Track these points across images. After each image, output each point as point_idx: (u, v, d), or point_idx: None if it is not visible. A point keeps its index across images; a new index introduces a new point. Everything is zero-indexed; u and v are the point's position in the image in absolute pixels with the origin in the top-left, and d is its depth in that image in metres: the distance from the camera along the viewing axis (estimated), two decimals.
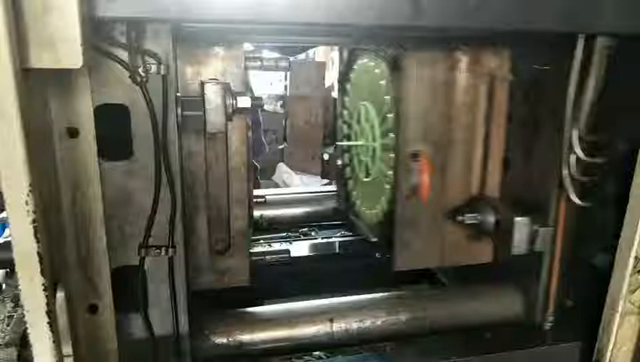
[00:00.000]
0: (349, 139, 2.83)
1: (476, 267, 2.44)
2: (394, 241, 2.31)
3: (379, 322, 2.18)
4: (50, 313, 1.31)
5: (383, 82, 2.33)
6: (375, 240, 2.56)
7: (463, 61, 2.19)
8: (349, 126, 2.81)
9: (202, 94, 1.78)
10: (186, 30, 1.78)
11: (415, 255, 2.35)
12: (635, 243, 1.71)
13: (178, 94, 1.76)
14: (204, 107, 1.77)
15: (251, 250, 2.23)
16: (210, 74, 1.97)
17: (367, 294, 2.33)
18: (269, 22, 1.51)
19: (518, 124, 2.21)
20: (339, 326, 2.14)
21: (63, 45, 1.19)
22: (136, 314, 1.80)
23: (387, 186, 2.36)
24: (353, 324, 2.16)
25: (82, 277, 1.64)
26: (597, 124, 1.87)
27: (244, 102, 1.85)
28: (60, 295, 1.37)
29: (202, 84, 1.79)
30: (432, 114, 2.20)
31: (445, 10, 1.55)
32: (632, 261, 1.73)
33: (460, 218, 2.25)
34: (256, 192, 2.58)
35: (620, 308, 1.79)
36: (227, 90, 1.80)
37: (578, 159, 1.90)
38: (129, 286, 1.75)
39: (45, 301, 1.29)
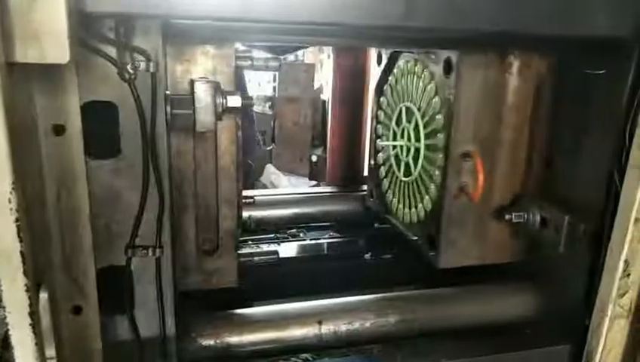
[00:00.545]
0: (386, 139, 2.88)
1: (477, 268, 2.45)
2: (439, 240, 2.33)
3: (368, 324, 2.17)
4: (33, 314, 1.28)
5: (431, 84, 2.35)
6: (415, 238, 2.57)
7: (514, 65, 2.21)
8: (387, 127, 2.84)
9: (192, 92, 1.76)
10: (176, 27, 1.76)
11: (459, 253, 2.36)
12: (625, 246, 1.71)
13: (167, 92, 1.73)
14: (194, 105, 1.75)
15: (239, 251, 2.20)
16: (200, 72, 1.94)
17: (356, 296, 2.32)
18: (257, 20, 1.49)
19: (566, 125, 2.22)
20: (327, 329, 2.13)
21: (48, 40, 1.16)
22: (121, 316, 1.77)
23: (432, 186, 2.39)
24: (342, 326, 2.15)
25: (67, 278, 1.60)
26: None
27: (234, 101, 1.83)
28: (44, 295, 1.35)
29: (192, 82, 1.77)
30: (482, 115, 2.23)
31: (436, 11, 1.55)
32: (622, 264, 1.73)
33: (507, 216, 2.26)
34: (244, 193, 2.55)
35: (609, 312, 1.79)
36: (217, 89, 1.78)
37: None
38: (115, 287, 1.72)
39: (28, 302, 1.26)
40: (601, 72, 2.01)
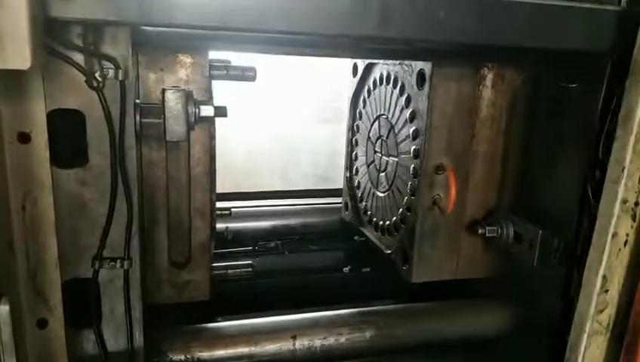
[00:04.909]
0: (362, 151, 2.88)
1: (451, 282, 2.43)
2: (411, 253, 2.32)
3: (342, 339, 2.14)
4: None
5: (404, 96, 2.35)
6: (389, 252, 2.54)
7: (488, 77, 2.22)
8: (362, 140, 2.85)
9: (162, 101, 1.72)
10: (148, 35, 1.73)
11: (432, 267, 2.35)
12: (603, 262, 1.70)
13: (137, 101, 1.70)
14: (164, 115, 1.72)
15: (213, 264, 2.17)
16: (173, 81, 1.92)
17: (331, 311, 2.29)
18: (232, 28, 1.47)
19: (540, 139, 2.21)
20: (302, 344, 2.10)
21: (10, 45, 1.12)
22: (88, 329, 1.73)
23: (405, 199, 2.38)
24: (316, 341, 2.12)
25: (31, 290, 1.56)
26: None
27: (207, 110, 1.80)
28: (4, 308, 1.31)
29: (163, 91, 1.74)
30: (455, 128, 2.23)
31: (411, 22, 1.53)
32: (599, 280, 1.71)
33: (480, 230, 2.25)
34: (220, 204, 2.52)
35: (587, 328, 1.77)
36: (189, 98, 1.75)
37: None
38: (81, 300, 1.68)
39: None
40: (574, 85, 2.01)
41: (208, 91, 1.96)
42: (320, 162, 5.04)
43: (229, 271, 2.29)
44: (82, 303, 1.68)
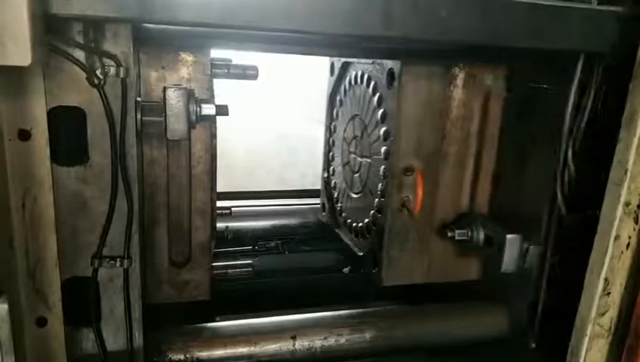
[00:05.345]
0: (339, 151, 2.84)
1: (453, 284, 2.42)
2: (381, 256, 2.29)
3: (343, 340, 2.13)
4: None
5: (376, 96, 2.32)
6: (361, 254, 2.53)
7: (459, 77, 2.19)
8: (338, 140, 2.81)
9: (164, 100, 1.72)
10: (149, 33, 1.73)
11: (402, 270, 2.32)
12: (605, 265, 1.69)
13: (138, 99, 1.69)
14: (165, 113, 1.71)
15: (213, 263, 2.16)
16: (175, 80, 1.91)
17: (331, 311, 2.27)
18: (234, 26, 1.46)
19: (511, 140, 2.22)
20: (301, 344, 2.08)
21: (10, 41, 1.12)
22: (87, 328, 1.72)
23: (376, 201, 2.35)
24: (317, 342, 2.10)
25: (30, 288, 1.55)
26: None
27: (208, 109, 1.80)
28: (3, 306, 1.29)
29: (164, 89, 1.73)
30: (426, 129, 2.20)
31: (414, 23, 1.53)
32: (601, 283, 1.71)
33: (449, 234, 2.23)
34: (221, 203, 2.51)
35: (588, 331, 1.76)
36: (190, 97, 1.74)
37: (571, 177, 1.90)
38: (81, 299, 1.67)
39: None
40: (544, 85, 2.01)
41: (210, 90, 1.95)
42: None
43: (229, 270, 2.28)
44: (82, 302, 1.67)
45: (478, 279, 2.42)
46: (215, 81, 2.01)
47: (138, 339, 1.76)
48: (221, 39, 1.94)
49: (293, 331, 2.11)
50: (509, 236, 2.03)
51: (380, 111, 2.27)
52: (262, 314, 2.21)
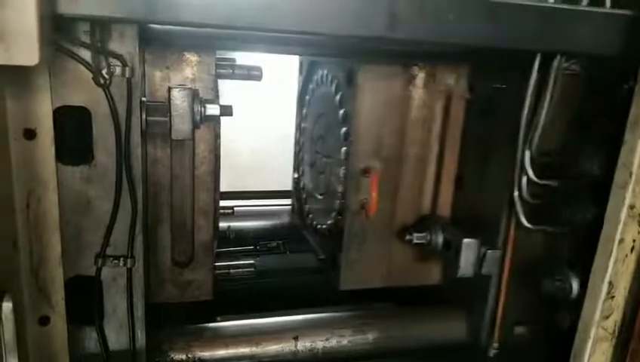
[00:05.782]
0: (307, 152, 2.79)
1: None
2: (339, 259, 2.24)
3: (345, 341, 2.13)
4: None
5: (337, 96, 2.27)
6: (322, 257, 2.49)
7: (419, 77, 2.15)
8: (307, 140, 2.77)
9: (168, 100, 1.72)
10: (154, 33, 1.73)
11: (361, 274, 2.28)
12: (610, 268, 1.69)
13: (143, 99, 1.69)
14: (170, 113, 1.71)
15: (216, 263, 2.16)
16: (179, 80, 1.91)
17: (333, 312, 2.28)
18: (239, 27, 1.46)
19: (473, 142, 2.18)
20: (303, 345, 2.09)
21: (17, 41, 1.12)
22: (90, 327, 1.72)
23: (336, 202, 2.30)
24: (318, 343, 2.11)
25: (34, 287, 1.56)
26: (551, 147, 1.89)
27: (213, 109, 1.80)
28: (7, 304, 1.30)
29: (169, 89, 1.73)
30: (385, 129, 2.15)
31: (419, 25, 1.53)
32: (605, 286, 1.70)
33: (407, 237, 2.18)
34: (223, 203, 2.51)
35: (592, 335, 1.75)
36: (195, 97, 1.74)
37: (529, 181, 1.89)
38: (84, 298, 1.67)
39: None
40: (503, 85, 1.99)
41: (214, 90, 1.95)
42: None
43: (232, 270, 2.28)
44: (85, 301, 1.67)
45: (439, 283, 2.39)
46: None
47: (140, 339, 1.76)
48: (226, 40, 1.94)
49: (295, 332, 2.11)
50: (465, 240, 2.00)
51: (342, 112, 2.23)
52: (264, 314, 2.21)
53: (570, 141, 1.92)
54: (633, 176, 1.62)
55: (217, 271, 2.18)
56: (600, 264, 1.72)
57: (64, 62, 1.48)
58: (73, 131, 1.55)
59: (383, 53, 2.09)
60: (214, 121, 1.88)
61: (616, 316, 1.76)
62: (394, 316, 2.33)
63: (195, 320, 2.09)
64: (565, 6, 1.63)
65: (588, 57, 1.79)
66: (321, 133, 2.52)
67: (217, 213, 2.11)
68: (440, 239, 2.16)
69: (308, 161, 2.75)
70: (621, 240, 1.67)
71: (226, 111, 1.84)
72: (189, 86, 1.82)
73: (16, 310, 1.32)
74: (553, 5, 1.63)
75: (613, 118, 1.71)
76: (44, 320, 1.59)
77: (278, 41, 2.02)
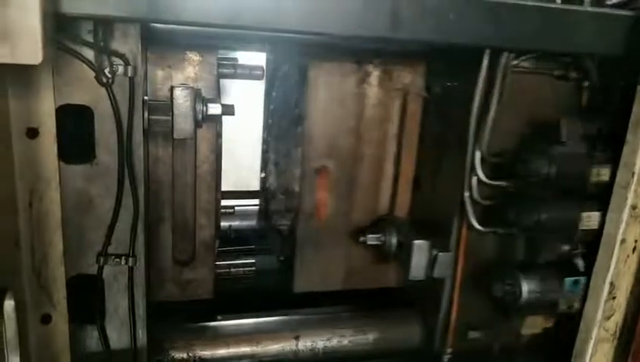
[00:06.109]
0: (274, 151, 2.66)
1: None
2: (294, 261, 2.21)
3: (345, 341, 2.13)
4: None
5: (294, 95, 2.21)
6: (282, 258, 2.44)
7: (374, 75, 2.10)
8: (272, 139, 2.67)
9: (171, 99, 1.72)
10: (157, 32, 1.73)
11: (316, 276, 2.24)
12: (611, 269, 1.69)
13: (146, 98, 1.70)
14: (172, 112, 1.71)
15: (217, 262, 2.16)
16: (181, 79, 1.91)
17: (335, 312, 2.28)
18: (243, 27, 1.46)
19: (428, 142, 2.15)
20: (304, 345, 2.09)
21: (21, 40, 1.12)
22: (92, 326, 1.73)
23: (295, 203, 2.25)
24: (319, 343, 2.11)
25: (36, 285, 1.56)
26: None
27: (214, 109, 1.80)
28: (9, 303, 1.30)
29: (171, 88, 1.73)
30: (340, 128, 2.11)
31: (421, 25, 1.54)
32: (607, 287, 1.70)
33: (362, 238, 2.14)
34: (224, 202, 2.51)
35: (593, 335, 1.76)
36: (197, 96, 1.75)
37: (480, 181, 1.86)
38: (85, 296, 1.67)
39: None
40: (455, 83, 1.96)
41: (216, 89, 1.95)
42: None
43: (233, 269, 2.29)
44: (86, 299, 1.68)
45: (398, 286, 2.34)
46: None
47: (142, 337, 1.77)
48: (229, 39, 1.94)
49: (296, 331, 2.11)
50: (416, 242, 1.96)
51: (297, 110, 2.18)
52: (265, 313, 2.21)
53: (520, 141, 1.89)
54: (635, 177, 1.63)
55: (218, 270, 2.18)
56: (602, 264, 1.73)
57: (67, 61, 1.48)
58: (75, 130, 1.56)
59: (336, 49, 2.03)
60: (216, 120, 1.88)
61: (618, 317, 1.76)
62: (394, 317, 2.31)
63: (196, 318, 2.09)
64: (568, 6, 1.64)
65: (590, 57, 1.79)
66: (281, 131, 2.45)
67: (219, 212, 2.11)
68: (395, 241, 2.11)
69: (273, 159, 2.65)
70: (623, 241, 1.68)
71: (228, 110, 1.84)
72: (191, 85, 1.82)
73: (18, 308, 1.33)
74: (556, 5, 1.63)
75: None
76: (46, 319, 1.59)
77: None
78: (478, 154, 1.83)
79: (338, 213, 2.18)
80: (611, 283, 1.70)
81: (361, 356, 2.15)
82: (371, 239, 2.13)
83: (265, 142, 2.74)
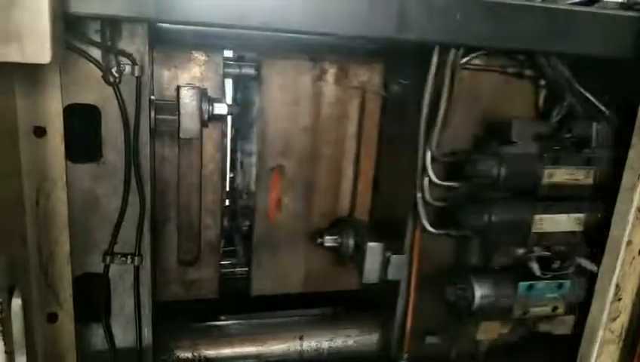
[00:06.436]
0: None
1: None
2: (250, 263, 2.18)
3: (350, 342, 2.13)
4: (5, 320, 1.23)
5: (253, 93, 2.14)
6: (243, 260, 2.38)
7: (330, 73, 2.06)
8: (240, 139, 2.55)
9: (177, 99, 1.72)
10: (164, 32, 1.73)
11: (273, 278, 2.21)
12: (617, 270, 1.68)
13: (152, 97, 1.70)
14: (179, 112, 1.72)
15: (222, 262, 2.16)
16: (187, 79, 1.91)
17: (339, 312, 2.28)
18: (249, 27, 1.46)
19: (385, 142, 2.11)
20: (309, 345, 2.08)
21: (30, 40, 1.12)
22: (97, 324, 1.73)
23: (254, 203, 2.18)
24: (324, 343, 2.10)
25: (42, 284, 1.56)
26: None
27: (220, 108, 1.80)
28: (16, 301, 1.30)
29: (178, 88, 1.74)
30: (295, 127, 2.07)
31: (428, 25, 1.54)
32: (612, 288, 1.70)
33: (319, 240, 2.10)
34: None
35: (599, 337, 1.75)
36: (203, 96, 1.75)
37: (431, 182, 1.82)
38: (91, 295, 1.68)
39: None
40: (406, 82, 1.93)
41: (222, 89, 1.96)
42: None
43: (237, 269, 2.29)
44: (92, 298, 1.68)
45: (358, 289, 2.29)
46: None
47: (147, 337, 1.77)
48: (235, 39, 1.94)
49: (300, 331, 2.11)
50: (369, 244, 1.93)
51: (255, 108, 2.12)
52: (269, 313, 2.21)
53: (473, 140, 1.87)
54: None
55: (223, 270, 2.19)
56: (607, 266, 1.72)
57: (74, 60, 1.49)
58: (83, 129, 1.56)
59: (290, 48, 2.00)
60: (222, 120, 1.88)
61: (623, 318, 1.76)
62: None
63: (201, 318, 2.09)
64: (575, 7, 1.63)
65: (594, 58, 1.78)
66: (245, 131, 2.38)
67: (224, 212, 2.11)
68: (352, 243, 2.07)
69: (239, 159, 2.57)
70: (629, 242, 1.67)
71: (234, 110, 1.84)
72: (197, 85, 1.82)
73: (25, 307, 1.32)
74: (562, 7, 1.63)
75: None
76: (53, 317, 1.60)
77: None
78: (428, 154, 1.78)
79: (296, 214, 2.14)
80: (617, 285, 1.70)
81: (366, 356, 2.15)
82: (328, 241, 2.10)
83: (232, 140, 2.64)
